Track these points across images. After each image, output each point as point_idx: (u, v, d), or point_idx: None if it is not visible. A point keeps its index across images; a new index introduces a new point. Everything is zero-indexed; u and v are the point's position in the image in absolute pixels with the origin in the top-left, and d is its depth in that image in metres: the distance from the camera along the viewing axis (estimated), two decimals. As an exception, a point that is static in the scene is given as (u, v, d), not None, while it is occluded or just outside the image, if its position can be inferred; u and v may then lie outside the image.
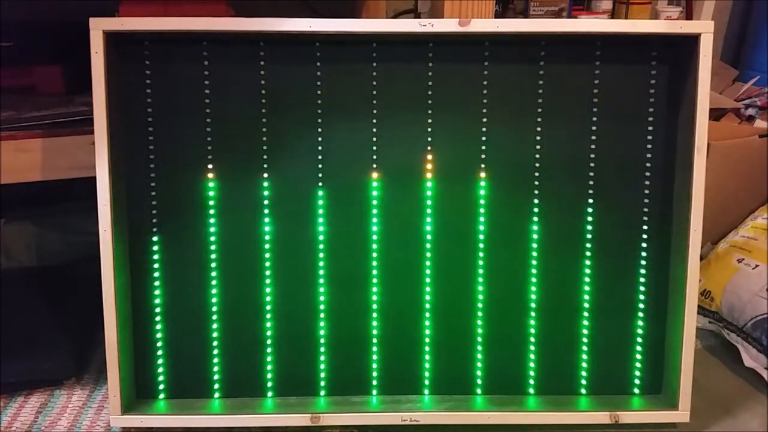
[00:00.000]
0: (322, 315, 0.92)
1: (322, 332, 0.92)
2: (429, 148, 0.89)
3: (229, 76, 0.87)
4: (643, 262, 0.91)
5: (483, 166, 0.89)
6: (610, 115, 0.88)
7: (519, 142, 0.89)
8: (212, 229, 0.90)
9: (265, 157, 0.89)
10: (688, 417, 0.88)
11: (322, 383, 0.93)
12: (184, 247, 0.90)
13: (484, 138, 0.89)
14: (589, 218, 0.90)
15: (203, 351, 0.91)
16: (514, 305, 0.92)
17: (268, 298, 0.91)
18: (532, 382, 0.93)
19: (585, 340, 0.92)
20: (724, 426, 0.91)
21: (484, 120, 0.88)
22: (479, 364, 0.93)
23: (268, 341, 0.92)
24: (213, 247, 0.90)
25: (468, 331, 0.92)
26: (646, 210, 0.90)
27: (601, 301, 0.91)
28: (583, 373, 0.93)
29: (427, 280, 0.91)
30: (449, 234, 0.91)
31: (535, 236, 0.90)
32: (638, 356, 0.92)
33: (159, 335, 0.91)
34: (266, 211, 0.90)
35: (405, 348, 0.92)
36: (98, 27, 0.80)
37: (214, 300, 0.91)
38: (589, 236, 0.90)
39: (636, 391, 0.93)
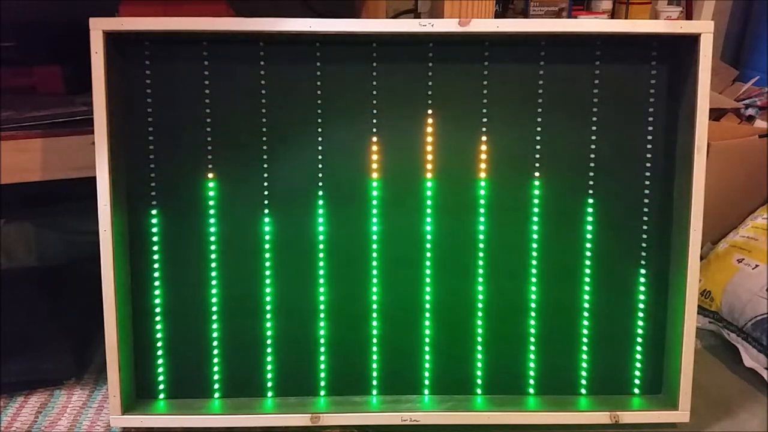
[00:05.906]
0: (322, 315, 0.92)
1: (322, 332, 0.92)
2: (429, 148, 0.89)
3: (229, 76, 0.87)
4: (643, 262, 0.91)
5: (483, 166, 0.89)
6: (609, 115, 0.88)
7: (519, 142, 0.89)
8: (212, 229, 0.90)
9: (265, 157, 0.89)
10: (688, 417, 0.88)
11: (322, 383, 0.93)
12: (184, 247, 0.90)
13: (483, 138, 0.89)
14: (589, 218, 0.90)
15: (203, 351, 0.91)
16: (514, 305, 0.92)
17: (268, 298, 0.91)
18: (532, 382, 0.93)
19: (585, 340, 0.92)
20: (724, 426, 0.91)
21: (484, 120, 0.88)
22: (479, 364, 0.93)
23: (268, 341, 0.92)
24: (213, 247, 0.90)
25: (468, 331, 0.92)
26: (646, 210, 0.90)
27: (601, 301, 0.92)
28: (583, 373, 0.93)
29: (427, 280, 0.91)
30: (449, 234, 0.90)
31: (535, 236, 0.90)
32: (638, 356, 0.92)
33: (159, 335, 0.91)
34: (266, 211, 0.90)
35: (405, 348, 0.92)
36: (98, 27, 0.80)
37: (214, 300, 0.91)
38: (589, 236, 0.90)
39: (636, 391, 0.93)
